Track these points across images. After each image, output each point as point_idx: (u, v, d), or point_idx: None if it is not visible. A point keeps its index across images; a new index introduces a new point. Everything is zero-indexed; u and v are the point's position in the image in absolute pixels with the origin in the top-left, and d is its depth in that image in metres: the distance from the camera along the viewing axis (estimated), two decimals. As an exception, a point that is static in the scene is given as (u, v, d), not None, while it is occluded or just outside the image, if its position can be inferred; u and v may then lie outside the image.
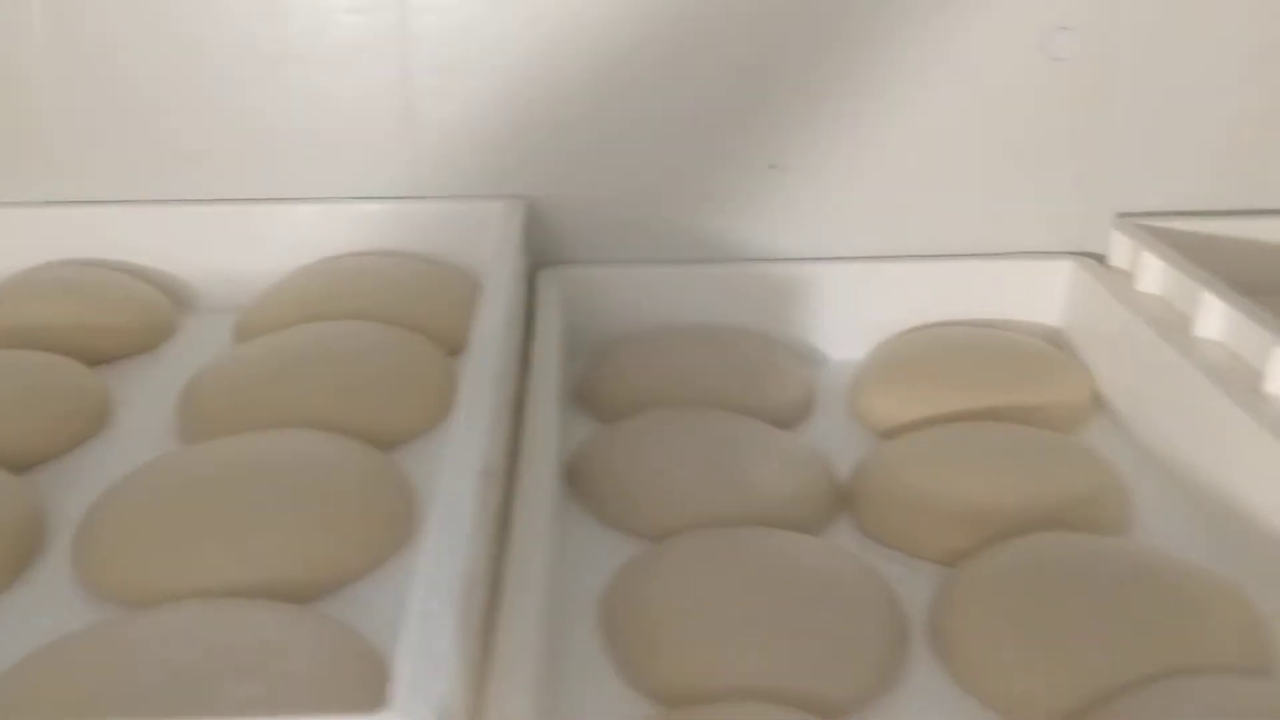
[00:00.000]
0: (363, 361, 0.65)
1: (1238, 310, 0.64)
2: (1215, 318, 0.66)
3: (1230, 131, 0.80)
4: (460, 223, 0.79)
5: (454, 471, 0.43)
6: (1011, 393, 0.72)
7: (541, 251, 0.82)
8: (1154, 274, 0.74)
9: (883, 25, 0.77)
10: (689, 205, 0.82)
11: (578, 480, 0.65)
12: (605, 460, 0.65)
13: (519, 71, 0.78)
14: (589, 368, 0.77)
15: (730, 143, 0.80)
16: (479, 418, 0.47)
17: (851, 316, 0.82)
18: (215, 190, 0.82)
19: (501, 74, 0.78)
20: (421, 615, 0.36)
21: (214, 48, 0.78)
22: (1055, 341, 0.80)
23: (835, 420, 0.74)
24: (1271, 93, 0.79)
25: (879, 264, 0.83)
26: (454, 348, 0.70)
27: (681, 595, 0.52)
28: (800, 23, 0.76)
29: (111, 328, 0.73)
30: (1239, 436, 0.59)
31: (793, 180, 0.80)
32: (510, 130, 0.79)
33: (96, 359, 0.71)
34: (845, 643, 0.50)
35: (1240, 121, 0.80)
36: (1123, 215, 0.80)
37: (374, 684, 0.35)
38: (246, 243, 0.81)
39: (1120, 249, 0.79)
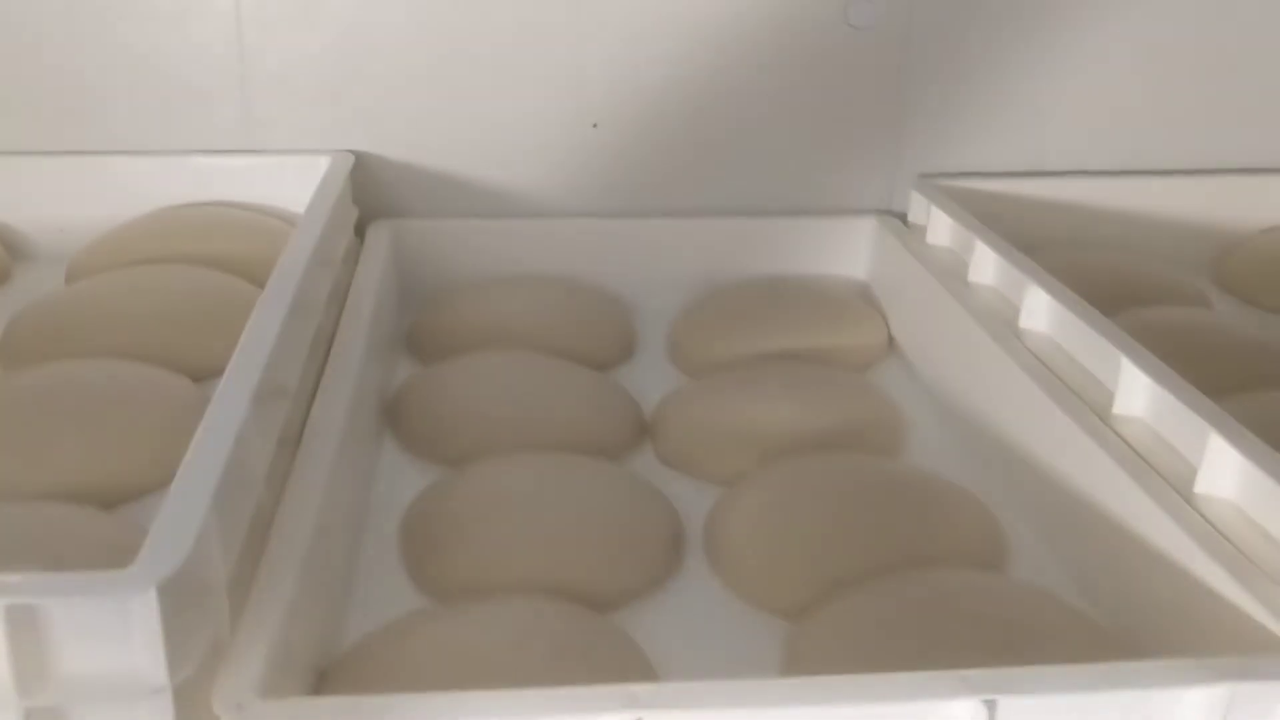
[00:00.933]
0: (179, 300, 0.67)
1: (1004, 258, 0.70)
2: (987, 266, 0.72)
3: (1020, 99, 0.86)
4: (290, 176, 0.81)
5: (228, 384, 0.47)
6: (812, 337, 0.77)
7: (377, 205, 0.85)
8: (942, 229, 0.79)
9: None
10: (516, 161, 0.85)
11: (395, 417, 0.68)
12: (420, 397, 0.69)
13: (350, 28, 0.81)
14: (419, 315, 0.80)
15: (555, 102, 0.83)
16: (261, 340, 0.50)
17: (672, 270, 0.86)
18: (50, 143, 0.83)
19: (333, 30, 0.81)
20: (176, 500, 0.39)
21: (46, 3, 0.79)
22: (861, 293, 0.86)
23: (653, 364, 0.79)
24: (1058, 65, 0.85)
25: (702, 220, 0.87)
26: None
27: (468, 506, 0.57)
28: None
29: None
30: (998, 371, 0.64)
31: (613, 139, 0.84)
32: (342, 86, 0.82)
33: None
34: (616, 547, 0.55)
35: (1030, 90, 0.86)
36: (923, 176, 0.86)
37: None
38: (81, 195, 0.83)
39: (918, 207, 0.84)
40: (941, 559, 0.54)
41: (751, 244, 0.87)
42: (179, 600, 0.36)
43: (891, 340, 0.80)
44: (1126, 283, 0.79)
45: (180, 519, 0.38)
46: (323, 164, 0.80)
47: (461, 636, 0.47)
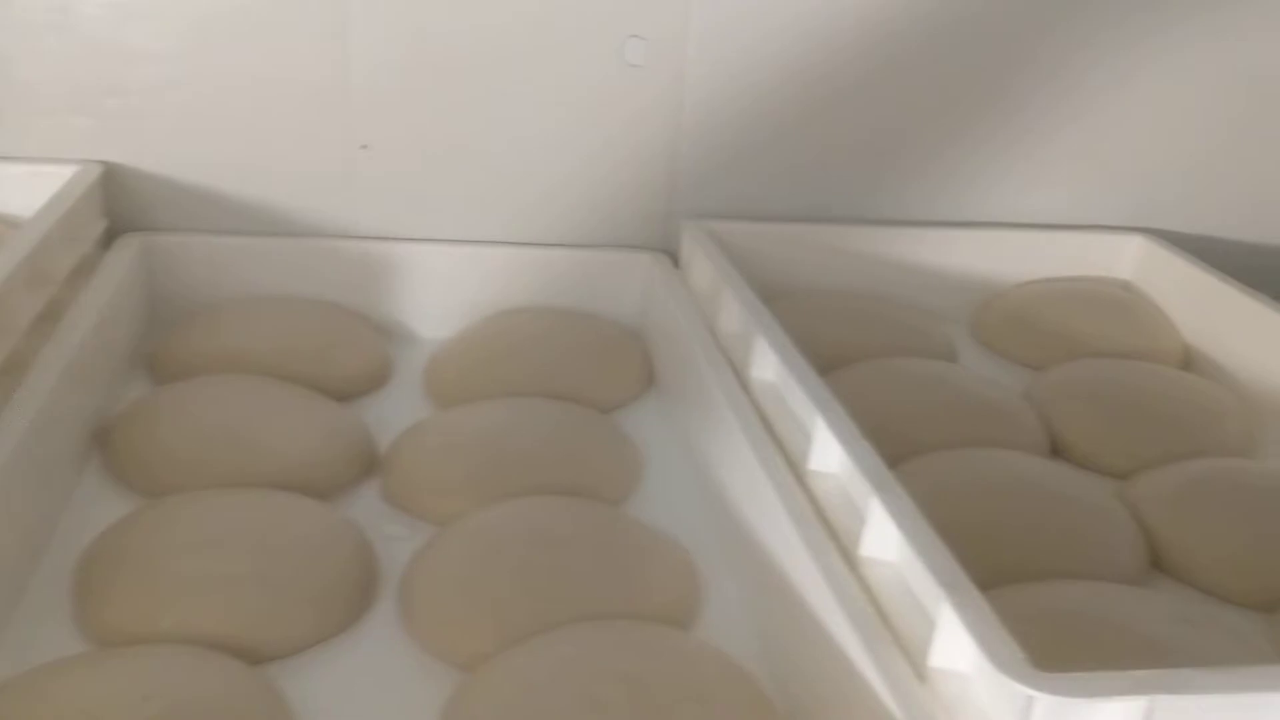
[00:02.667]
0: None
1: (744, 306, 0.70)
2: (732, 313, 0.72)
3: (800, 144, 0.87)
4: (39, 185, 0.78)
5: None
6: (570, 373, 0.77)
7: (133, 219, 0.82)
8: (703, 271, 0.80)
9: (479, 19, 0.80)
10: (281, 179, 0.83)
11: (104, 441, 0.66)
12: (131, 422, 0.66)
13: (107, 35, 0.78)
14: (164, 335, 0.77)
15: (323, 120, 0.82)
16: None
17: (443, 297, 0.85)
18: None
19: (88, 37, 0.77)
20: None
21: None
22: (632, 330, 0.85)
23: (408, 394, 0.77)
24: (836, 111, 0.86)
25: (475, 247, 0.86)
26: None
27: (139, 546, 0.55)
28: (397, 11, 0.79)
29: None
30: (721, 422, 0.64)
31: (384, 162, 0.83)
32: (98, 94, 0.79)
33: None
34: (289, 594, 0.53)
35: (808, 135, 0.87)
36: (697, 217, 0.86)
37: None
38: None
39: (686, 247, 0.84)
40: (632, 612, 0.54)
41: (524, 274, 0.86)
42: None
43: (652, 378, 0.80)
44: (875, 332, 0.81)
45: None
46: (63, 172, 0.77)
47: (92, 689, 0.45)
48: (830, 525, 0.52)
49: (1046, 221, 0.92)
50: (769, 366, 0.65)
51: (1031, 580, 0.55)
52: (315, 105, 0.81)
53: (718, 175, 0.87)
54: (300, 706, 0.49)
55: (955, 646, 0.42)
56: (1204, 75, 0.89)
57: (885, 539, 0.49)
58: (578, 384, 0.76)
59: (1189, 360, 0.83)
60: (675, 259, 0.86)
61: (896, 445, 0.54)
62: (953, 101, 0.87)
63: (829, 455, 0.56)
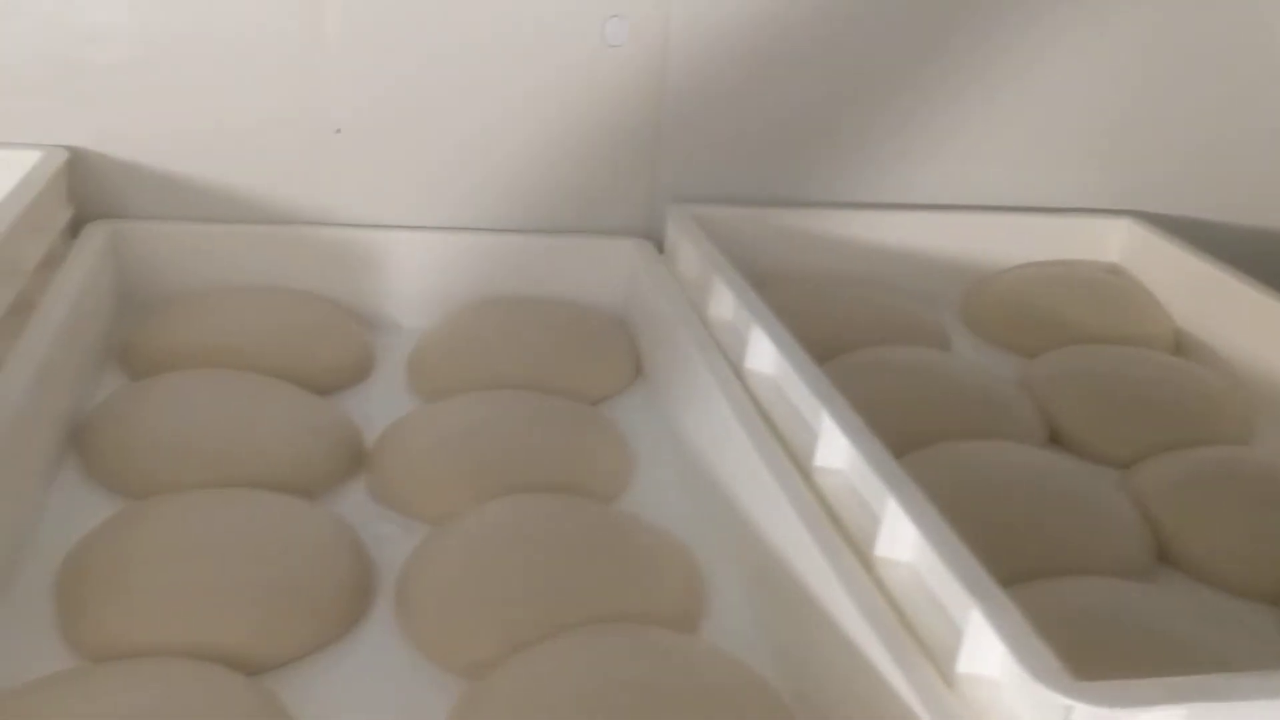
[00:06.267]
0: None
1: (736, 295, 0.68)
2: (724, 301, 0.71)
3: (780, 127, 0.85)
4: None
5: None
6: (556, 364, 0.75)
7: (100, 206, 0.79)
8: (690, 258, 0.78)
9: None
10: (253, 164, 0.80)
11: (81, 439, 0.63)
12: (107, 421, 0.64)
13: (68, 16, 0.74)
14: (131, 327, 0.75)
15: (295, 103, 0.79)
16: None
17: (424, 286, 0.83)
18: None
19: (49, 17, 0.74)
20: None
21: None
22: (616, 318, 0.84)
23: (392, 386, 0.75)
24: (817, 93, 0.85)
25: (453, 234, 0.84)
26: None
27: (127, 554, 0.52)
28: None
29: None
30: (717, 414, 0.62)
31: (358, 145, 0.80)
32: (61, 77, 0.76)
33: None
34: (284, 601, 0.51)
35: (789, 118, 0.85)
36: (680, 201, 0.84)
37: None
38: None
39: (672, 233, 0.83)
40: (637, 615, 0.52)
41: (506, 261, 0.84)
42: None
43: (639, 368, 0.78)
44: (867, 319, 0.79)
45: None
46: (33, 159, 0.74)
47: (89, 707, 0.43)
48: (841, 524, 0.51)
49: (1033, 204, 0.91)
50: (765, 357, 0.64)
51: (1039, 576, 0.55)
52: (287, 87, 0.79)
53: (700, 158, 0.86)
54: (302, 718, 0.47)
55: (985, 653, 0.41)
56: (1190, 57, 0.88)
57: (901, 539, 0.48)
58: (565, 375, 0.74)
59: (1180, 345, 0.82)
60: (659, 245, 0.84)
61: (894, 437, 0.52)
62: (938, 81, 0.86)
63: (835, 451, 0.54)
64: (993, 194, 0.90)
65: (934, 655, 0.43)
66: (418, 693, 0.49)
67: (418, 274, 0.83)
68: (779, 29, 0.82)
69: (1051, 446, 0.69)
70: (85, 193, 0.78)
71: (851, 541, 0.49)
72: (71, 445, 0.63)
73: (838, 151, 0.87)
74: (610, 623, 0.51)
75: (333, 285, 0.82)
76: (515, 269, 0.84)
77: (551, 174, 0.84)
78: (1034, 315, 0.82)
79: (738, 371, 0.65)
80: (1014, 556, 0.55)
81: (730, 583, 0.57)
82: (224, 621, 0.49)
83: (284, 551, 0.54)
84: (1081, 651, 0.40)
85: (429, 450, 0.64)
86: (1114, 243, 0.91)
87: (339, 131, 0.80)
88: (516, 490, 0.61)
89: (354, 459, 0.65)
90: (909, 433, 0.65)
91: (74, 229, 0.77)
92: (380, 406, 0.71)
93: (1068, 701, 0.37)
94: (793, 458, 0.56)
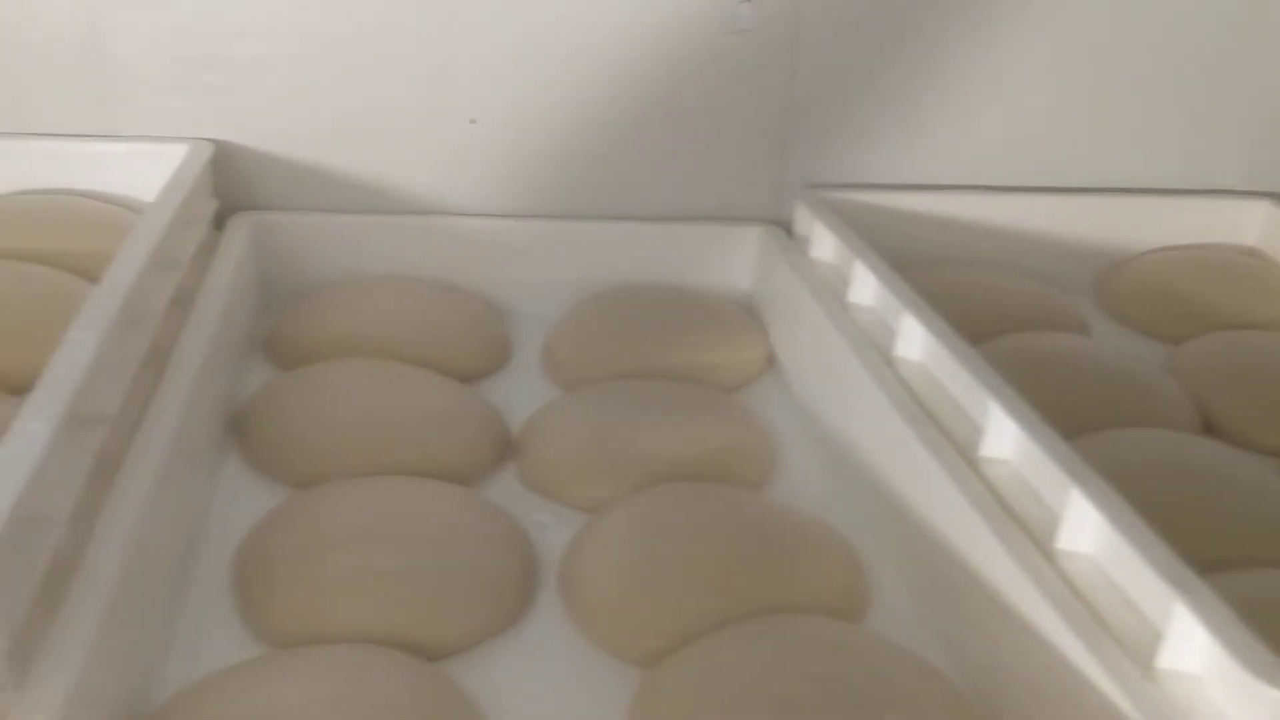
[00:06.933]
0: (8, 302, 0.63)
1: (881, 281, 0.68)
2: (866, 287, 0.70)
3: (911, 110, 0.84)
4: (145, 164, 0.76)
5: (29, 413, 0.42)
6: (691, 352, 0.75)
7: (240, 197, 0.80)
8: (825, 243, 0.77)
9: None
10: (388, 155, 0.81)
11: (241, 431, 0.64)
12: (266, 411, 0.65)
13: (207, 6, 0.76)
14: (281, 317, 0.76)
15: (429, 95, 0.80)
16: (74, 361, 0.46)
17: (552, 274, 0.83)
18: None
19: (192, 9, 0.75)
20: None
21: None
22: (745, 305, 0.83)
23: (527, 375, 0.76)
24: (950, 77, 0.83)
25: (583, 223, 0.84)
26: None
27: (305, 542, 0.53)
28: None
29: None
30: (868, 402, 0.62)
31: (492, 136, 0.81)
32: (204, 68, 0.77)
33: None
34: (461, 588, 0.52)
35: (921, 101, 0.84)
36: (810, 185, 0.84)
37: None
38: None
39: (803, 218, 0.82)
40: (801, 605, 0.52)
41: (634, 250, 0.84)
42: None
43: (772, 356, 0.78)
44: (1006, 305, 0.78)
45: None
46: (180, 152, 0.75)
47: (280, 693, 0.44)
48: (1016, 516, 0.50)
49: (1167, 186, 0.89)
50: (916, 344, 0.63)
51: (1213, 568, 0.53)
52: (422, 79, 0.79)
53: (829, 143, 0.85)
54: (483, 705, 0.47)
55: (1189, 646, 0.41)
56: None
57: (1086, 531, 0.47)
58: (698, 362, 0.74)
59: (1325, 330, 0.80)
60: (788, 230, 0.84)
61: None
62: (1072, 64, 0.84)
63: (1003, 441, 0.54)
64: (1126, 176, 0.88)
65: (1130, 650, 0.42)
66: (591, 680, 0.50)
67: (547, 262, 0.83)
68: (911, 8, 0.81)
69: (1206, 435, 0.68)
70: (228, 185, 0.79)
71: (1029, 533, 0.49)
72: (230, 435, 0.64)
73: (969, 134, 0.85)
74: (781, 613, 0.51)
75: (465, 273, 0.82)
76: (642, 256, 0.85)
77: (680, 161, 0.84)
78: (1173, 300, 0.81)
79: (887, 359, 0.64)
80: (1187, 548, 0.54)
81: (889, 573, 0.57)
82: (403, 608, 0.50)
83: (456, 538, 0.54)
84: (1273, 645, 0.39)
85: (578, 438, 0.65)
86: (1251, 225, 0.88)
87: (473, 122, 0.81)
88: (665, 479, 0.61)
89: (503, 447, 0.66)
90: (1059, 421, 0.64)
91: (218, 220, 0.78)
92: (520, 394, 0.72)
93: (1286, 697, 0.36)
94: (956, 447, 0.55)
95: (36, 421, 0.42)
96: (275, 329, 0.74)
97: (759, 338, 0.79)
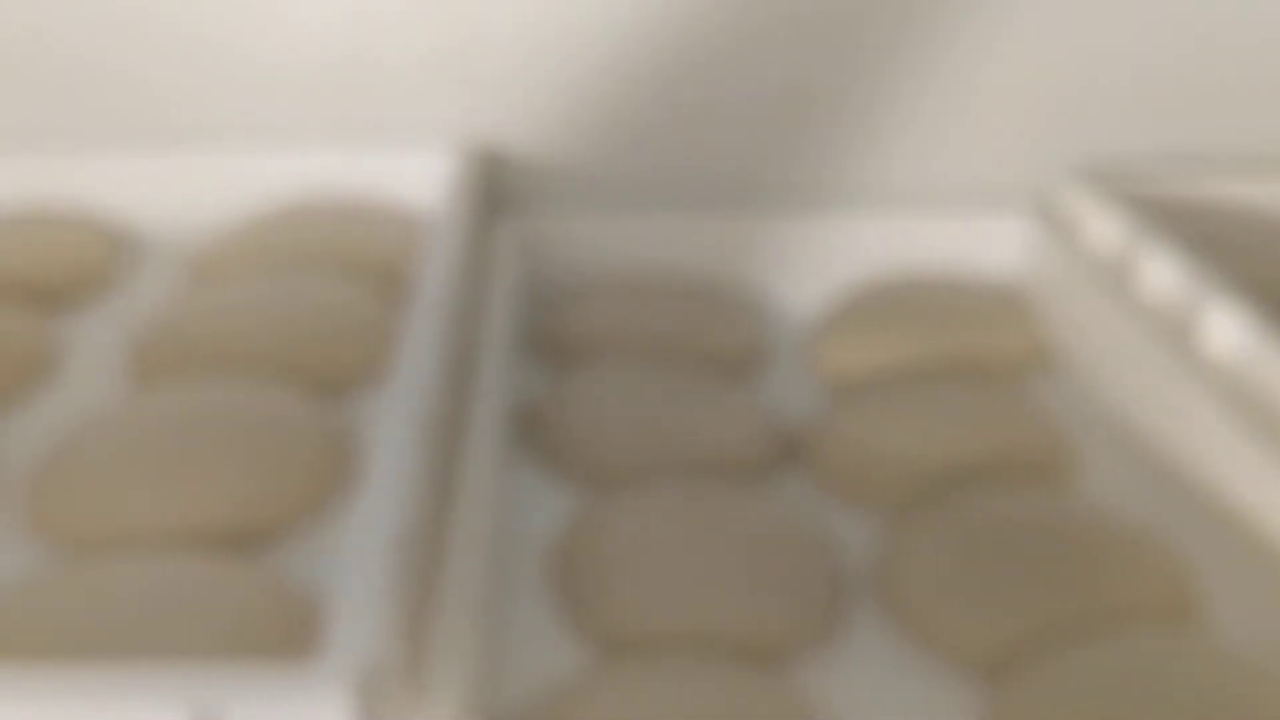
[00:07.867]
0: (314, 310, 0.65)
1: (1180, 266, 0.65)
2: (1160, 274, 0.67)
3: (1178, 80, 0.80)
4: (414, 169, 0.78)
5: (397, 421, 0.44)
6: (962, 346, 0.73)
7: (505, 199, 0.82)
8: (1099, 230, 0.74)
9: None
10: (645, 154, 0.81)
11: (528, 430, 0.66)
12: (554, 411, 0.66)
13: (481, 12, 0.77)
14: (548, 318, 0.77)
15: (691, 93, 0.79)
16: (424, 367, 0.47)
17: (808, 268, 0.82)
18: (151, 130, 0.80)
19: (462, 14, 0.77)
20: (357, 567, 0.36)
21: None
22: (1014, 296, 0.81)
23: (791, 371, 0.75)
24: (1215, 41, 0.79)
25: (840, 214, 0.83)
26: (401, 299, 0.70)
27: (628, 546, 0.54)
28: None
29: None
30: (1180, 399, 0.60)
31: (748, 133, 0.80)
32: (471, 74, 0.79)
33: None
34: (786, 592, 0.52)
35: (1193, 69, 0.80)
36: (1083, 166, 0.80)
37: (305, 636, 0.35)
38: (189, 186, 0.80)
39: (1070, 204, 0.79)
40: (1127, 609, 0.51)
41: (895, 240, 0.83)
42: (372, 692, 0.33)
43: (1046, 350, 0.76)
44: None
45: (364, 600, 0.35)
46: (448, 154, 0.77)
47: (633, 704, 0.45)
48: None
49: None
50: (1231, 337, 0.60)
51: None
52: (682, 78, 0.79)
53: (1094, 124, 0.81)
54: (822, 711, 0.47)
55: None
56: None
57: None
58: (974, 357, 0.72)
59: None
60: (1052, 217, 0.81)
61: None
62: None
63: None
64: None
65: None
66: (932, 689, 0.49)
67: (803, 256, 0.82)
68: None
69: None
70: (494, 190, 0.81)
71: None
72: (520, 438, 0.66)
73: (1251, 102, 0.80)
74: (1109, 615, 0.49)
75: (725, 270, 0.82)
76: (903, 247, 0.83)
77: (944, 139, 0.82)
78: None
79: (1192, 353, 0.61)
80: None
81: (1215, 580, 0.55)
82: (734, 610, 0.50)
83: (768, 542, 0.54)
84: None
85: (877, 439, 0.63)
86: None
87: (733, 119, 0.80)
88: (963, 479, 0.60)
89: (780, 447, 0.65)
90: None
91: (489, 225, 0.80)
92: (787, 392, 0.71)
93: None
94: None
95: (404, 430, 0.43)
96: (547, 331, 0.75)
97: (1031, 330, 0.76)
